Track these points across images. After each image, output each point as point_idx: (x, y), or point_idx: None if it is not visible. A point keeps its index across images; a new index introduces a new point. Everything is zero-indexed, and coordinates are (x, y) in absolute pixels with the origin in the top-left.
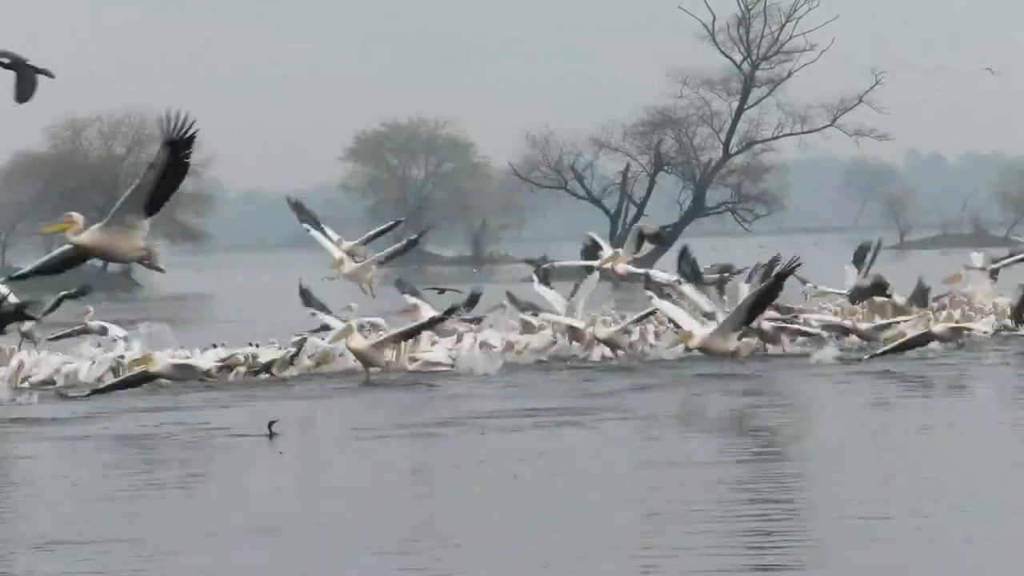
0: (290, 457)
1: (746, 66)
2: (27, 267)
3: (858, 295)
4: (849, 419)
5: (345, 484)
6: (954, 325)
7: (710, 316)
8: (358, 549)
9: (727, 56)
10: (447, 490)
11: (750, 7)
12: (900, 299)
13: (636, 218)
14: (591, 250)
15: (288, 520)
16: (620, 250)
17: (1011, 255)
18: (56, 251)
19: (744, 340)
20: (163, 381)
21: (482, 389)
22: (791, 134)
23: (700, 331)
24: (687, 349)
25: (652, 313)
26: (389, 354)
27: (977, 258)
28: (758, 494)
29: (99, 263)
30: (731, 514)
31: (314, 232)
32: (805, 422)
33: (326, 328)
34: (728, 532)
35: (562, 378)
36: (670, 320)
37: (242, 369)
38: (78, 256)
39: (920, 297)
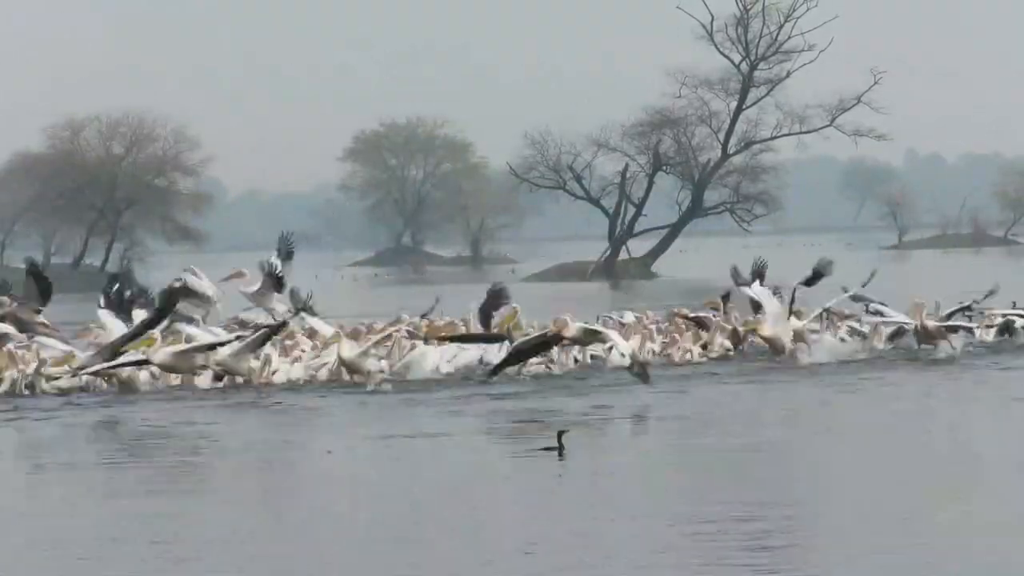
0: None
1: (745, 66)
2: None
3: None
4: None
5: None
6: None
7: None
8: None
9: (726, 56)
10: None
11: (748, 7)
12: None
13: (635, 218)
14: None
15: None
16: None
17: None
18: None
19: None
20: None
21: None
22: (790, 134)
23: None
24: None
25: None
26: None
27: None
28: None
29: (97, 262)
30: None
31: None
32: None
33: None
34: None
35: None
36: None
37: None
38: None
39: None
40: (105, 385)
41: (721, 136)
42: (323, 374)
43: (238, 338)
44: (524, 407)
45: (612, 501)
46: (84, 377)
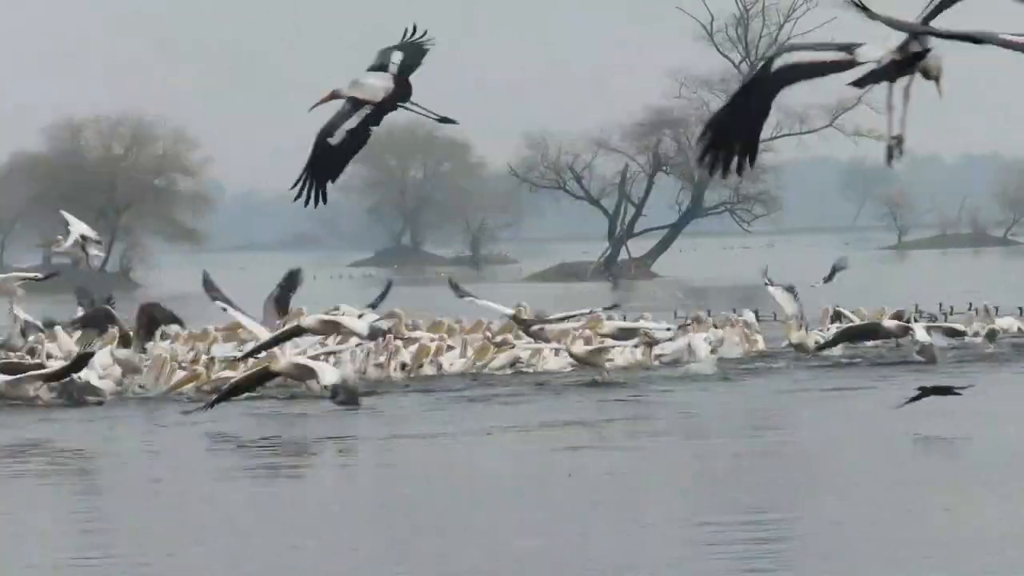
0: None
1: (744, 66)
2: None
3: None
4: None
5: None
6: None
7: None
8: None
9: (726, 56)
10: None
11: (748, 7)
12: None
13: (635, 218)
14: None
15: None
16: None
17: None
18: None
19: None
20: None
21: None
22: (790, 134)
23: None
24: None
25: None
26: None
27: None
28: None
29: (97, 263)
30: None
31: None
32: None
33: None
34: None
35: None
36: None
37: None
38: None
39: None
40: None
41: None
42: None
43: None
44: (527, 409)
45: (621, 503)
46: None
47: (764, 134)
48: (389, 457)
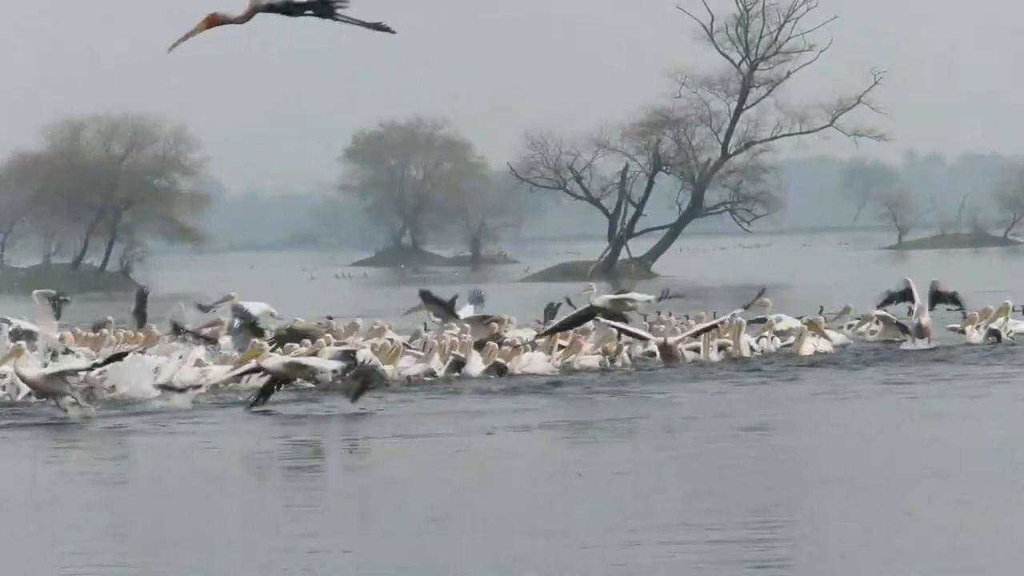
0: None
1: (745, 66)
2: None
3: None
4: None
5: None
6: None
7: None
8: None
9: (726, 56)
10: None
11: (748, 7)
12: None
13: (635, 218)
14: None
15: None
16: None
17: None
18: None
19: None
20: None
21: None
22: (790, 134)
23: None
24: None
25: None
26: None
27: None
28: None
29: (97, 262)
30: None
31: None
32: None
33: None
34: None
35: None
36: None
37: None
38: None
39: None
40: None
41: (721, 136)
42: None
43: None
44: (528, 409)
45: (626, 503)
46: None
47: (764, 134)
48: (392, 457)
